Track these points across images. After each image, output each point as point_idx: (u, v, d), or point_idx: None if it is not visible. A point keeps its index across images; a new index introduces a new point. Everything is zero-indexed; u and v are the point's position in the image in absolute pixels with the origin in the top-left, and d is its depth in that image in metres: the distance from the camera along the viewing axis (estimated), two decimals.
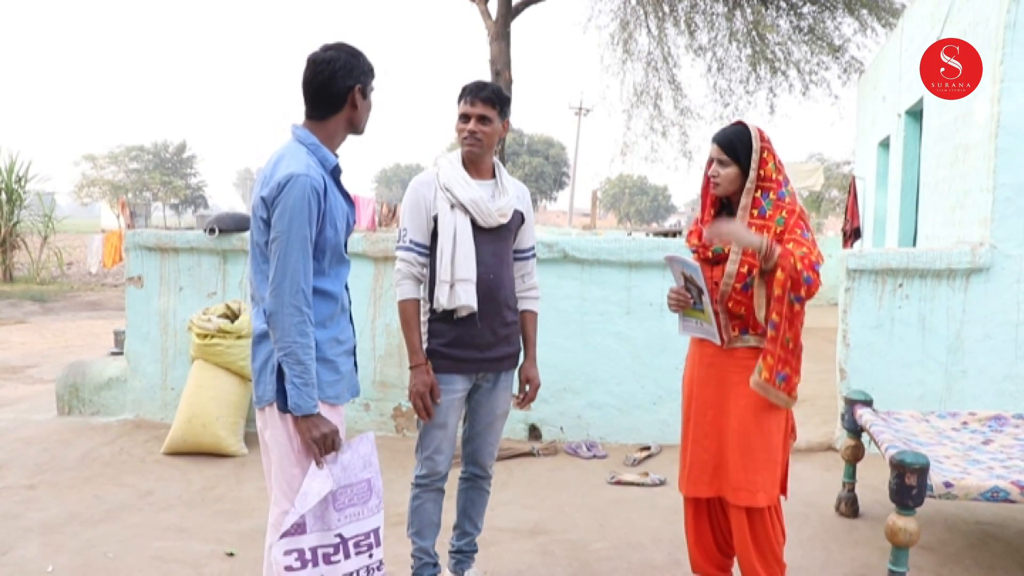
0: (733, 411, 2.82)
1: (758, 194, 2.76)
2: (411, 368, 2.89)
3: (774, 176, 2.77)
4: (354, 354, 2.48)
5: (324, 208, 2.26)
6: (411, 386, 2.88)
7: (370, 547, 2.36)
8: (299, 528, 2.24)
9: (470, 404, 3.05)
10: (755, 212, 2.76)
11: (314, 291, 2.26)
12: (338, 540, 2.29)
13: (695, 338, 2.99)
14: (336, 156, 2.39)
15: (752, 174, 2.75)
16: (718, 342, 2.84)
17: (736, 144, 2.79)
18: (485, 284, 2.89)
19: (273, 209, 2.22)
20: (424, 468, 2.98)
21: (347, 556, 2.31)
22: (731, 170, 2.79)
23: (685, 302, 2.89)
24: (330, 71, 2.32)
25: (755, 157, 2.75)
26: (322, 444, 2.24)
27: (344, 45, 2.39)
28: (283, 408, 2.25)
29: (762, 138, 2.77)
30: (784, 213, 2.75)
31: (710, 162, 2.85)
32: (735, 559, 3.03)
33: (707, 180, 2.89)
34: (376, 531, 2.38)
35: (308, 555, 2.25)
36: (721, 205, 2.92)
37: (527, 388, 3.10)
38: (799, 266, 2.61)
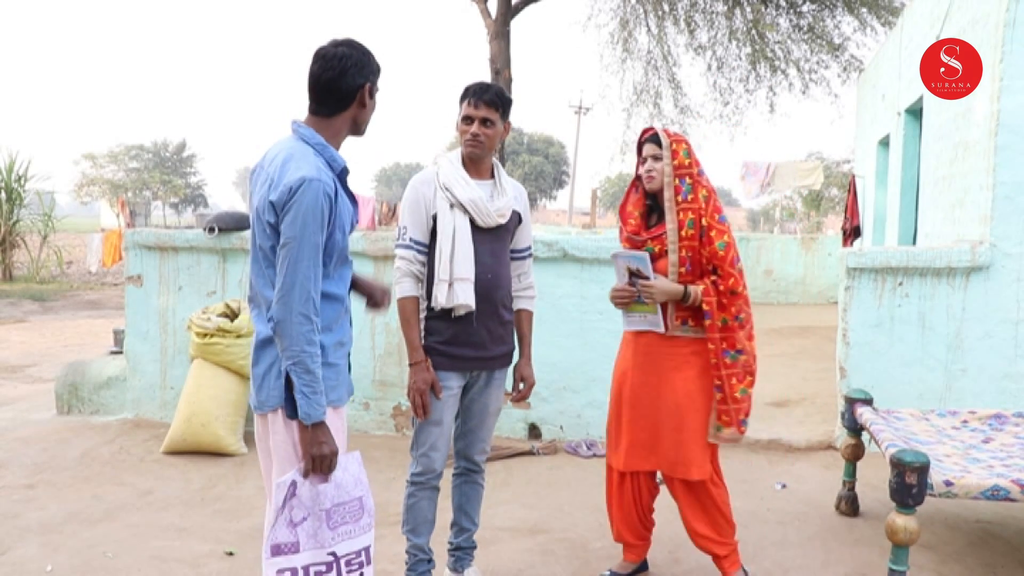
0: (668, 395, 3.08)
1: (677, 182, 3.05)
2: (411, 365, 2.89)
3: (686, 161, 3.06)
4: (348, 353, 2.46)
5: (334, 212, 2.22)
6: (411, 383, 2.89)
7: (361, 565, 2.31)
8: (292, 547, 2.21)
9: (463, 401, 3.06)
10: (679, 199, 3.04)
11: (321, 295, 2.21)
12: (331, 558, 2.26)
13: (630, 331, 3.21)
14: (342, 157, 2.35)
15: (668, 168, 3.05)
16: (662, 330, 3.08)
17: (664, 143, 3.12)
18: (483, 283, 2.91)
19: (284, 214, 2.15)
20: (419, 465, 2.98)
21: (339, 575, 2.27)
22: (663, 164, 3.08)
23: (632, 297, 3.09)
24: (342, 67, 2.27)
25: (666, 153, 3.06)
26: (320, 463, 2.20)
27: (354, 41, 2.34)
28: (290, 415, 2.22)
29: (669, 134, 3.11)
30: (704, 191, 3.06)
31: (643, 161, 3.13)
32: (652, 529, 3.35)
33: (633, 184, 3.20)
34: (367, 549, 2.34)
35: (301, 574, 2.22)
36: (646, 205, 3.19)
37: (521, 386, 3.13)
38: (723, 301, 3.01)
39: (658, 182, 3.07)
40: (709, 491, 3.10)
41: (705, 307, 3.00)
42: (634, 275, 3.05)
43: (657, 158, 3.07)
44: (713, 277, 3.03)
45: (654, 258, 3.07)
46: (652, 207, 3.17)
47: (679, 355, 3.08)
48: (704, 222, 3.02)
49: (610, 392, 3.29)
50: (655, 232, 3.09)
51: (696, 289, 3.01)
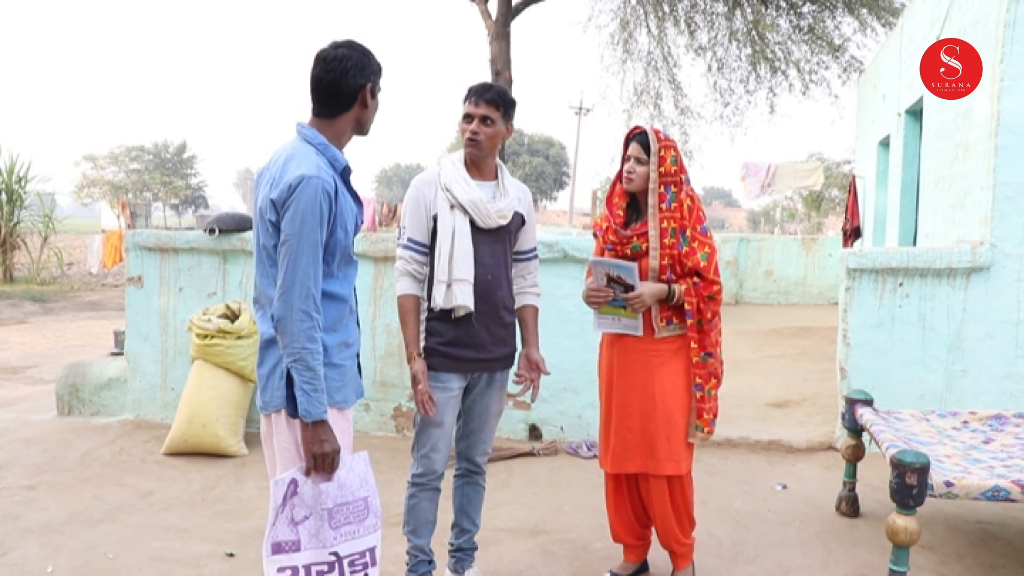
0: (657, 393, 3.07)
1: (662, 189, 3.04)
2: (408, 363, 2.90)
3: (673, 168, 3.04)
4: (357, 355, 2.46)
5: (335, 210, 2.23)
6: (411, 380, 2.89)
7: (365, 566, 2.31)
8: (293, 545, 2.21)
9: (464, 403, 3.05)
10: (663, 206, 3.04)
11: (323, 294, 2.22)
12: (333, 558, 2.25)
13: (609, 333, 3.19)
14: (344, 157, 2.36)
15: (654, 174, 3.03)
16: (640, 333, 3.09)
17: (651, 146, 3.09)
18: (483, 285, 2.90)
19: (284, 212, 2.17)
20: (420, 466, 2.99)
21: (341, 575, 2.27)
22: (645, 168, 3.06)
23: (607, 298, 3.08)
24: (342, 68, 2.28)
25: (653, 159, 3.04)
26: (321, 462, 2.20)
27: (354, 43, 2.35)
28: (292, 414, 2.22)
29: (659, 138, 3.06)
30: (688, 200, 3.06)
31: (626, 159, 3.10)
32: (652, 528, 3.29)
33: (619, 175, 3.16)
34: (372, 550, 2.33)
35: (302, 573, 2.22)
36: (628, 203, 3.17)
37: (531, 378, 3.04)
38: (701, 305, 3.04)
39: (636, 185, 3.07)
40: (684, 487, 3.14)
41: (687, 307, 3.04)
42: (615, 280, 3.05)
43: (640, 161, 3.05)
44: (695, 279, 3.05)
45: (637, 256, 3.06)
46: (632, 204, 3.17)
47: (666, 351, 3.09)
48: (688, 233, 3.03)
49: (598, 395, 3.30)
50: (639, 229, 3.08)
51: (679, 288, 3.03)
